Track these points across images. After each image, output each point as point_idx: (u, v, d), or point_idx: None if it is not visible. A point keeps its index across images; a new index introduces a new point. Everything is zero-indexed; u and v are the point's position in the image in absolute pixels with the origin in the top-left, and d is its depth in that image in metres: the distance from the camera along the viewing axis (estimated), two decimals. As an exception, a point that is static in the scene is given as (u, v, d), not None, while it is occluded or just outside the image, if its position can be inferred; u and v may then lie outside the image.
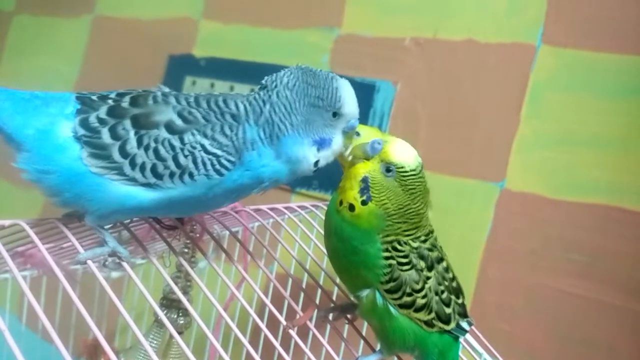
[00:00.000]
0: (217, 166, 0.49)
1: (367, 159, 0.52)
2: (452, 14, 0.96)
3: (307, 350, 0.54)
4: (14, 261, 0.50)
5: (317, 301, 0.69)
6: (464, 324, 0.56)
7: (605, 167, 0.82)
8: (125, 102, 0.50)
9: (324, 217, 0.59)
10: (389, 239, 0.52)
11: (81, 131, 0.49)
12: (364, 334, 0.63)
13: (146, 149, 0.48)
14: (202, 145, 0.48)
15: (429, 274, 0.53)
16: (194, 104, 0.50)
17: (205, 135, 0.49)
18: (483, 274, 0.87)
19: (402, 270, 0.52)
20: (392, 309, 0.53)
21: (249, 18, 1.17)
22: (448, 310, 0.54)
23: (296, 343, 0.55)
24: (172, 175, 0.48)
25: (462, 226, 0.90)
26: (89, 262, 0.50)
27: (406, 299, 0.52)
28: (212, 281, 0.75)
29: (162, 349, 0.74)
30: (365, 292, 0.53)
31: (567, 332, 0.81)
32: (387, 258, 0.52)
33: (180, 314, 0.73)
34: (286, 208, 0.74)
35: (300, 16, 1.11)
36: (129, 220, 0.58)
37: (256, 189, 0.52)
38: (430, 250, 0.54)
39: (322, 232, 0.58)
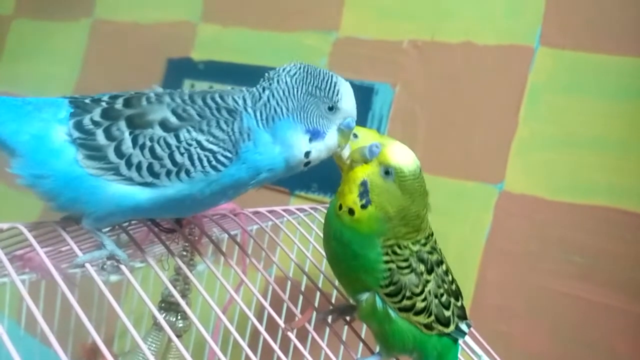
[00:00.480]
0: (214, 162, 0.48)
1: (366, 162, 0.52)
2: (450, 17, 0.97)
3: (306, 353, 0.54)
4: (13, 265, 0.49)
5: (316, 304, 0.69)
6: (463, 327, 0.56)
7: (605, 169, 0.82)
8: (119, 104, 0.50)
9: (322, 220, 0.59)
10: (389, 242, 0.52)
11: (76, 134, 0.48)
12: (362, 336, 0.63)
13: (142, 148, 0.48)
14: (198, 142, 0.48)
15: (428, 277, 0.53)
16: (189, 101, 0.50)
17: (201, 132, 0.49)
18: (482, 276, 0.87)
19: (402, 274, 0.52)
20: (391, 313, 0.52)
21: (248, 21, 1.17)
22: (447, 313, 0.54)
23: (295, 346, 0.55)
24: (168, 173, 0.48)
25: (462, 228, 0.90)
26: (87, 265, 0.49)
27: (406, 302, 0.52)
28: (211, 284, 0.75)
29: (161, 353, 0.73)
30: (364, 296, 0.53)
31: (567, 334, 0.81)
32: (387, 262, 0.51)
33: (179, 317, 0.73)
34: (285, 210, 0.74)
35: (299, 19, 1.11)
36: (127, 224, 0.58)
37: (253, 182, 0.52)
38: (430, 253, 0.53)
39: (321, 234, 0.58)
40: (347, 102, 0.52)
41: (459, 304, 0.56)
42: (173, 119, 0.49)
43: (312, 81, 0.51)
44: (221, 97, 0.51)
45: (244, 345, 0.51)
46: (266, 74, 0.53)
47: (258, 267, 0.62)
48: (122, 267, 0.51)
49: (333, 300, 0.66)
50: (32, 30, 1.51)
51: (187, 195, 0.49)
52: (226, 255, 0.61)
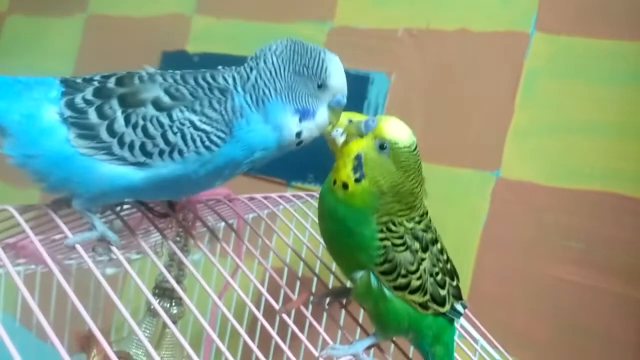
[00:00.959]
0: (207, 142, 0.48)
1: (361, 136, 0.51)
2: (445, 4, 0.96)
3: (303, 338, 0.54)
4: (6, 254, 0.49)
5: (313, 290, 0.68)
6: (459, 307, 0.56)
7: (601, 154, 0.82)
8: (111, 83, 0.49)
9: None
10: (383, 219, 0.51)
11: (67, 112, 0.48)
12: (360, 320, 0.63)
13: (134, 127, 0.47)
14: (191, 122, 0.48)
15: (423, 255, 0.52)
16: (181, 81, 0.50)
17: (194, 112, 0.48)
18: (479, 263, 0.87)
19: (396, 252, 0.51)
20: (386, 291, 0.52)
21: (242, 12, 1.17)
22: (443, 292, 0.54)
23: (293, 332, 0.54)
24: (161, 153, 0.48)
25: (458, 216, 0.89)
26: (78, 247, 0.49)
27: (401, 280, 0.51)
28: (207, 273, 0.74)
29: (155, 340, 0.73)
30: (359, 274, 0.52)
31: (564, 319, 0.80)
32: (381, 239, 0.51)
33: (174, 304, 0.72)
34: (281, 197, 0.73)
35: (293, 9, 1.10)
36: (119, 208, 0.57)
37: (247, 161, 0.51)
38: (424, 231, 0.53)
39: (317, 221, 0.57)
40: (336, 78, 0.51)
41: (454, 283, 0.55)
42: (166, 99, 0.48)
43: (299, 60, 0.50)
44: (212, 77, 0.51)
45: (241, 330, 0.50)
46: (254, 52, 0.52)
47: (255, 253, 0.61)
48: (113, 248, 0.51)
49: (330, 287, 0.66)
50: (27, 26, 1.51)
51: (181, 176, 0.49)
52: (221, 241, 0.61)
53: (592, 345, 0.78)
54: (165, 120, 0.48)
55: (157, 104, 0.48)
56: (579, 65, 0.85)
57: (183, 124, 0.48)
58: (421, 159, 0.52)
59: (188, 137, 0.48)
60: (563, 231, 0.82)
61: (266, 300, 0.56)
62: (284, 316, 0.55)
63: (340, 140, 0.55)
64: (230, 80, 0.50)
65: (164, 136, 0.47)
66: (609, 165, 0.81)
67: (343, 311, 0.62)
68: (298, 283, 0.64)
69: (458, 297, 0.56)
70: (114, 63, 1.36)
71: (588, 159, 0.83)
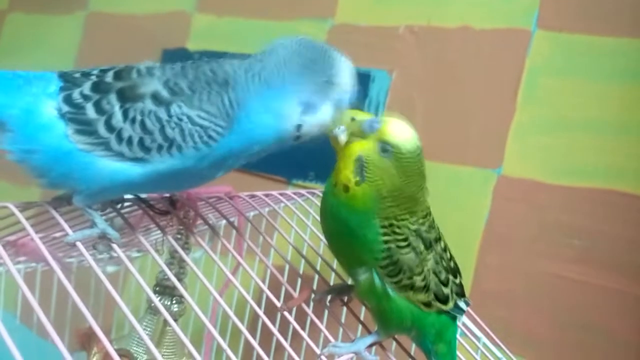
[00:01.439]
0: (205, 138, 0.47)
1: (364, 137, 0.50)
2: (446, 1, 0.96)
3: (305, 335, 0.54)
4: (6, 252, 0.49)
5: (314, 287, 0.68)
6: (462, 304, 0.55)
7: (603, 151, 0.82)
8: (109, 77, 0.49)
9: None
10: (386, 222, 0.50)
11: (65, 108, 0.48)
12: (362, 318, 0.62)
13: (132, 122, 0.47)
14: (189, 117, 0.47)
15: (427, 256, 0.52)
16: (180, 74, 0.49)
17: (192, 107, 0.48)
18: (481, 261, 0.87)
19: (401, 254, 0.50)
20: (389, 291, 0.51)
21: (242, 10, 1.16)
22: (446, 290, 0.53)
23: (294, 329, 0.54)
24: (159, 148, 0.47)
25: (460, 213, 0.89)
26: (79, 244, 0.49)
27: (405, 281, 0.51)
28: (208, 271, 0.74)
29: (156, 337, 0.73)
30: (362, 274, 0.52)
31: (566, 317, 0.80)
32: (385, 242, 0.50)
33: (174, 301, 0.72)
34: (282, 195, 0.73)
35: (294, 7, 1.10)
36: (120, 206, 0.57)
37: (247, 153, 0.50)
38: (428, 231, 0.52)
39: (319, 219, 0.57)
40: (344, 77, 0.51)
41: (457, 281, 0.55)
42: (164, 93, 0.48)
43: (307, 54, 0.50)
44: (213, 69, 0.50)
45: (243, 328, 0.50)
46: (264, 48, 0.52)
47: (256, 250, 0.61)
48: (114, 246, 0.51)
49: (331, 284, 0.65)
50: (27, 24, 1.50)
51: (180, 170, 0.48)
52: (222, 238, 0.61)
53: (594, 342, 0.78)
54: (163, 115, 0.47)
55: (156, 99, 0.48)
56: (581, 63, 0.85)
57: (181, 120, 0.47)
58: (424, 163, 0.52)
59: (186, 132, 0.47)
60: (565, 229, 0.82)
61: (267, 298, 0.56)
62: (286, 314, 0.55)
63: (342, 138, 0.54)
64: (232, 72, 0.50)
65: (162, 131, 0.47)
66: (611, 162, 0.81)
67: (344, 309, 0.62)
68: (299, 280, 0.64)
69: (461, 294, 0.55)
70: (114, 61, 1.35)
71: (590, 156, 0.82)
